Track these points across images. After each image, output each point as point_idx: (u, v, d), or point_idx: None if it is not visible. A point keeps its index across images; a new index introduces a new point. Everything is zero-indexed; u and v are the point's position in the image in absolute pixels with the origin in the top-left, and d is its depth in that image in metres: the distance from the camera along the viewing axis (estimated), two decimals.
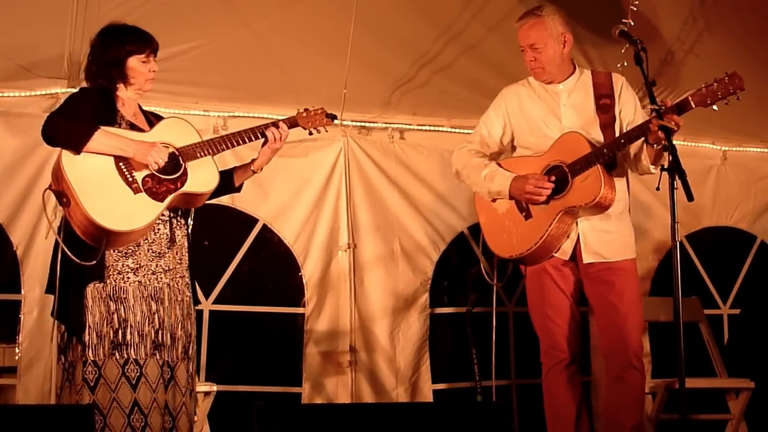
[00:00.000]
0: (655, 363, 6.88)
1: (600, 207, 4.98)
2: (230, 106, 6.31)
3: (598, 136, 5.08)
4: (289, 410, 4.22)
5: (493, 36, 6.34)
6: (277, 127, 4.82)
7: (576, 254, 5.11)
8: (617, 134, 5.05)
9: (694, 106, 4.77)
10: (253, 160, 4.89)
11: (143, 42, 4.68)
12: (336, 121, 5.15)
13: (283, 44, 6.14)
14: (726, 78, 4.72)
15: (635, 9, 5.98)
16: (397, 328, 6.48)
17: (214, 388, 5.87)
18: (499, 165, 5.26)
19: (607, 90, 5.14)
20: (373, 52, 6.24)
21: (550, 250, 5.10)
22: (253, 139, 4.80)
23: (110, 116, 4.59)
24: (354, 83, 6.20)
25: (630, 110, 5.12)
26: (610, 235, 5.08)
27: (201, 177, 4.65)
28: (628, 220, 5.19)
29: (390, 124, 6.67)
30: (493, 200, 5.26)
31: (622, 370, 5.09)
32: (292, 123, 4.92)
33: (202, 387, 5.82)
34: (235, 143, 4.75)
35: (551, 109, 5.19)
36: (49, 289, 4.60)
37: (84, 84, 5.82)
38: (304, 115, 4.98)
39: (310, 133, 5.03)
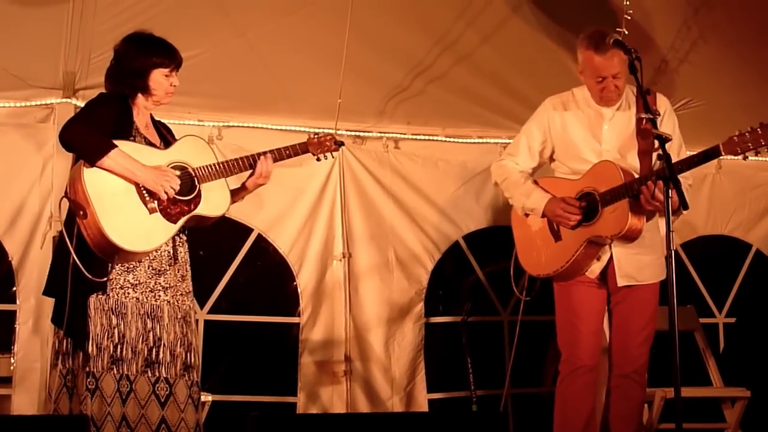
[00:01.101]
0: (650, 372, 6.84)
1: (627, 238, 5.03)
2: (225, 116, 6.31)
3: (634, 161, 5.09)
4: (284, 420, 4.22)
5: (487, 45, 6.35)
6: (264, 156, 4.83)
7: (606, 275, 5.15)
8: (654, 160, 5.05)
9: (723, 154, 4.80)
10: (243, 185, 4.91)
11: (169, 56, 4.69)
12: (331, 131, 5.18)
13: (278, 54, 6.15)
14: (759, 128, 4.71)
15: (629, 18, 5.99)
16: (392, 337, 6.47)
17: (209, 397, 5.87)
18: (537, 183, 5.31)
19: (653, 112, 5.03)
20: (368, 62, 6.25)
21: (578, 272, 5.16)
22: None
23: (126, 127, 4.62)
24: (348, 93, 6.20)
25: (669, 134, 5.03)
26: (644, 257, 5.11)
27: (214, 200, 4.69)
28: (659, 237, 5.17)
29: (385, 133, 6.67)
30: (526, 215, 5.32)
31: (623, 379, 5.19)
32: (303, 149, 4.99)
33: None
34: (248, 165, 4.82)
35: (593, 131, 5.19)
36: (48, 292, 4.61)
37: (79, 89, 5.88)
38: (315, 140, 5.02)
39: (318, 159, 5.08)
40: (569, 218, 5.09)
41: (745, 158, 4.81)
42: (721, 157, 7.06)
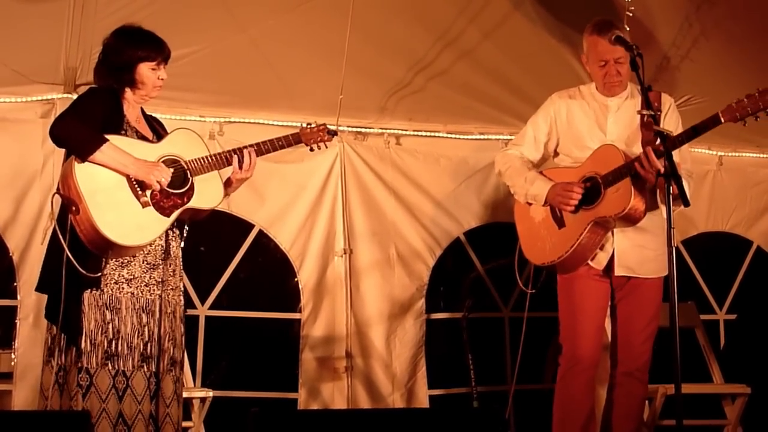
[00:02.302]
0: (651, 368, 6.85)
1: (630, 219, 5.03)
2: (226, 112, 6.31)
3: (639, 151, 5.08)
4: (285, 416, 4.21)
5: (489, 42, 6.34)
6: (242, 151, 4.80)
7: (611, 266, 5.16)
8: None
9: (723, 122, 4.78)
10: (228, 179, 4.88)
11: (156, 49, 4.68)
12: (332, 127, 5.18)
13: (280, 50, 6.14)
14: (757, 94, 4.71)
15: (631, 14, 5.99)
16: (393, 333, 6.47)
17: (210, 393, 5.86)
18: (541, 173, 5.33)
19: (655, 109, 5.05)
20: (369, 58, 6.24)
21: (582, 259, 5.16)
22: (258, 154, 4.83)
23: (118, 121, 4.61)
24: (350, 89, 6.20)
25: (671, 130, 5.03)
26: (647, 251, 5.13)
27: (207, 192, 4.67)
28: (662, 233, 5.16)
29: (386, 129, 6.67)
30: (529, 204, 5.33)
31: (626, 377, 5.21)
32: (296, 139, 4.98)
33: (197, 393, 5.82)
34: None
35: (598, 122, 5.23)
36: (41, 288, 4.60)
37: (80, 85, 5.88)
38: (308, 131, 5.01)
39: (311, 149, 5.06)
40: (571, 196, 5.09)
41: (744, 124, 4.77)
42: (723, 154, 7.25)
